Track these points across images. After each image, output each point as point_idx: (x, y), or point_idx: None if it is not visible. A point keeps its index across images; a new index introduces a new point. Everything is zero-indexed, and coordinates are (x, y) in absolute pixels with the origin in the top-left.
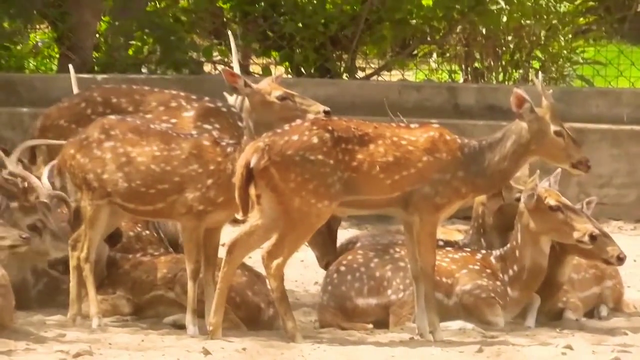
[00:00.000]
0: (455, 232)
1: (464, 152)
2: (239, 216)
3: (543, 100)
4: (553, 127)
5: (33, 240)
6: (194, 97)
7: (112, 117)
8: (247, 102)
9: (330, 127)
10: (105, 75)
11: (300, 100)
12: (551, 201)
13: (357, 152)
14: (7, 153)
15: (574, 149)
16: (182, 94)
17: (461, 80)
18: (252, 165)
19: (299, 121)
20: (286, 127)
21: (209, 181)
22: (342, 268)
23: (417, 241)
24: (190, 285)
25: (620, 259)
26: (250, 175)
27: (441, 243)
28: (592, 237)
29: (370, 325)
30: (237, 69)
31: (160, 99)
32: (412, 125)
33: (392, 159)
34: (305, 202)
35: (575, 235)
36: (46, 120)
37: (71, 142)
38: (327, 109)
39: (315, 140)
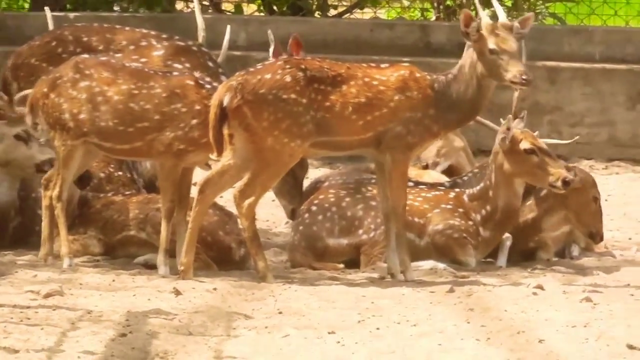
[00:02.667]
0: (422, 171)
1: (434, 88)
2: (214, 156)
3: (482, 20)
4: (489, 45)
5: (20, 147)
6: (164, 35)
7: (86, 56)
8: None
9: (303, 66)
10: (77, 14)
11: None
12: (526, 144)
13: (329, 92)
14: None
15: (512, 64)
16: (152, 32)
17: (433, 18)
18: (225, 104)
19: (271, 60)
20: (258, 65)
21: (194, 121)
22: (314, 208)
23: (388, 180)
24: (163, 224)
25: (566, 183)
26: (223, 114)
27: (411, 184)
28: (565, 182)
29: (342, 265)
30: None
31: (130, 38)
32: (382, 65)
33: (365, 100)
34: (278, 141)
35: (549, 179)
36: (17, 59)
37: (44, 80)
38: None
39: (288, 79)
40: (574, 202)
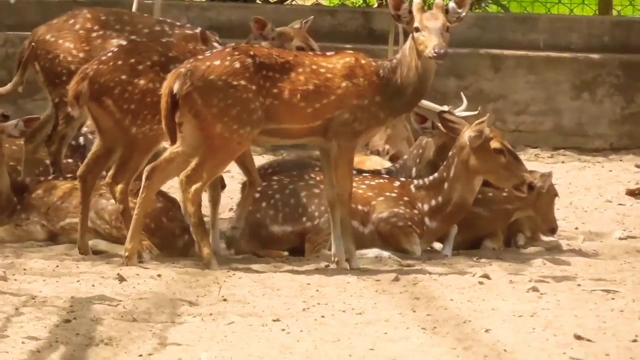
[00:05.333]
0: (368, 156)
1: (380, 75)
2: (167, 144)
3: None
4: (414, 24)
5: (7, 125)
6: (177, 23)
7: None
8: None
9: (252, 53)
10: None
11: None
12: (496, 144)
13: (278, 79)
14: None
15: (429, 39)
16: (167, 20)
17: (375, 5)
18: (175, 91)
19: (219, 47)
20: (207, 53)
21: None
22: (257, 195)
23: (334, 167)
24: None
25: (531, 187)
26: (174, 102)
27: (354, 171)
28: (530, 187)
29: (286, 253)
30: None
31: (147, 23)
32: (328, 53)
33: (312, 87)
34: (227, 127)
35: (513, 181)
36: (34, 37)
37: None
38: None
39: (237, 65)
40: (542, 203)
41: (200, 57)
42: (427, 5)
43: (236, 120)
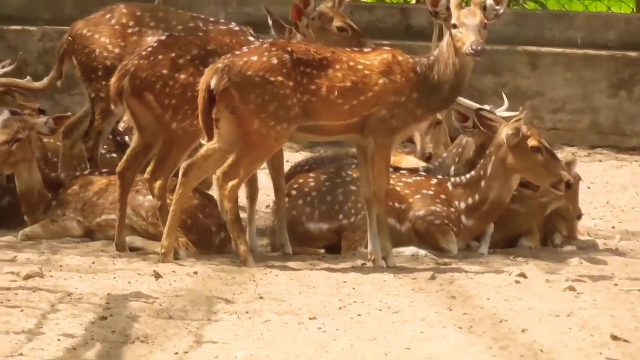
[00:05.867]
0: (405, 155)
1: (417, 72)
2: (204, 141)
3: None
4: (452, 21)
5: (37, 123)
6: (211, 19)
7: None
8: (305, 23)
9: (290, 49)
10: None
11: (359, 36)
12: (534, 142)
13: (316, 76)
14: None
15: (467, 36)
16: (201, 16)
17: (414, 2)
18: (212, 87)
19: (257, 43)
20: (245, 49)
21: None
22: (294, 192)
23: (371, 165)
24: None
25: (569, 186)
26: (212, 98)
27: (391, 169)
28: (568, 185)
29: (322, 251)
30: None
31: (181, 19)
32: (365, 49)
33: (350, 84)
34: (264, 124)
35: (551, 179)
36: (73, 31)
37: None
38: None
39: (275, 61)
40: (571, 191)
41: (237, 52)
42: (465, 2)
43: (273, 116)
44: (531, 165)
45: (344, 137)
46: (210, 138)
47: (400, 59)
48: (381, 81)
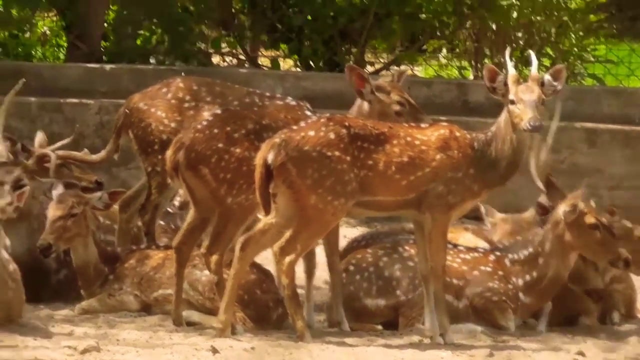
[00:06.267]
0: (463, 230)
1: (474, 147)
2: (261, 215)
3: (508, 72)
4: (509, 96)
5: (92, 198)
6: (267, 94)
7: None
8: (366, 106)
9: (347, 124)
10: (113, 65)
11: (416, 113)
12: (590, 219)
13: (373, 151)
14: (14, 143)
15: (525, 112)
16: (257, 91)
17: (471, 77)
18: (269, 161)
19: (314, 117)
20: (302, 123)
21: None
22: (351, 267)
23: (428, 240)
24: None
25: (627, 263)
26: (269, 172)
27: (450, 245)
28: (626, 263)
29: (380, 327)
30: None
31: (237, 94)
32: (422, 125)
33: (407, 159)
34: (321, 199)
35: (609, 257)
36: (129, 104)
37: None
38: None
39: (332, 136)
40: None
41: (294, 127)
42: (522, 78)
43: (330, 191)
44: (588, 242)
45: (401, 213)
46: (267, 213)
47: (458, 134)
48: (438, 156)
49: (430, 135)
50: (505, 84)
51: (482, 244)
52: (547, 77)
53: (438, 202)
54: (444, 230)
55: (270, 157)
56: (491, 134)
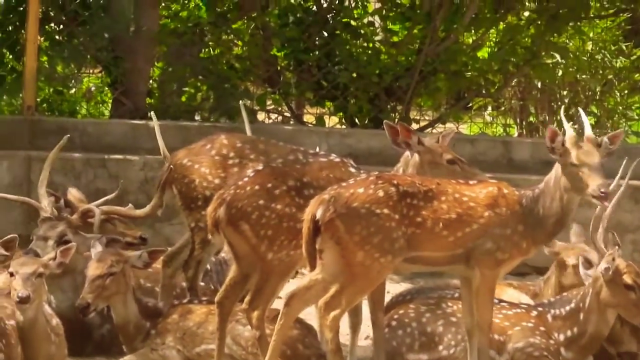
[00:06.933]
0: (505, 287)
1: (522, 204)
2: (306, 271)
3: (567, 133)
4: (571, 159)
5: (131, 256)
6: (311, 151)
7: None
8: (416, 158)
9: (395, 182)
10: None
11: (467, 167)
12: (628, 279)
13: (421, 207)
14: (58, 199)
15: (592, 178)
16: (301, 148)
17: (516, 135)
18: (317, 217)
19: (363, 175)
20: (351, 180)
21: None
22: (393, 323)
23: (475, 296)
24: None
25: None
26: (316, 228)
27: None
28: None
29: None
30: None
31: (280, 151)
32: (470, 182)
33: (455, 216)
34: (368, 255)
35: None
36: (173, 160)
37: None
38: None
39: (381, 193)
40: None
41: (343, 184)
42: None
43: (378, 248)
44: (623, 301)
45: (448, 268)
46: (312, 268)
47: (506, 191)
48: (486, 213)
49: (478, 192)
50: (563, 144)
51: (525, 299)
52: (605, 139)
53: (486, 259)
54: (491, 287)
55: (319, 213)
56: (539, 191)
